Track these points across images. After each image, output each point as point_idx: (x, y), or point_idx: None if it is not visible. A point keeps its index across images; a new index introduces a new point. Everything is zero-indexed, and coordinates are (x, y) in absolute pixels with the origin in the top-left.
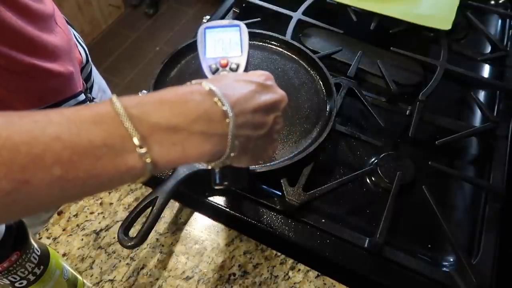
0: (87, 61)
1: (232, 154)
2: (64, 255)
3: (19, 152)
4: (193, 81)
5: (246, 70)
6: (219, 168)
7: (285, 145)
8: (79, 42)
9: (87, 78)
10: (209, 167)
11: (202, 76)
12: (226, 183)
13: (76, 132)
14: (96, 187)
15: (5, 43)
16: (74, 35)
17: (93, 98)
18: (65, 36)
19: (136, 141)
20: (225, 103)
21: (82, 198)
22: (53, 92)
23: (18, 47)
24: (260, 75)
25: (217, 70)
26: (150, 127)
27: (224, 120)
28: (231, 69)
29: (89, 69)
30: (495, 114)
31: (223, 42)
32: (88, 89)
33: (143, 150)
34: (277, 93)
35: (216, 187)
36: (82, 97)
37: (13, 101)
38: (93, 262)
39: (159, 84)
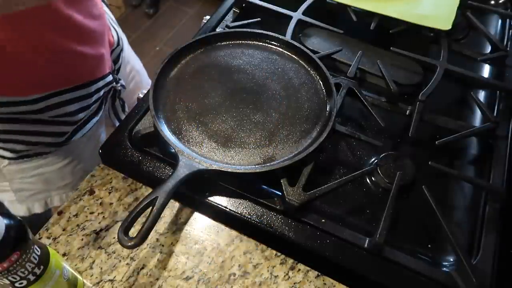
0: (118, 43)
1: None
2: (64, 255)
3: None
4: None
5: (245, 70)
6: None
7: (285, 145)
8: (112, 25)
9: (116, 60)
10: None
11: (202, 75)
12: None
13: None
14: None
15: (55, 31)
16: (109, 17)
17: (119, 79)
18: (102, 19)
19: None
20: None
21: None
22: (82, 73)
23: (65, 34)
24: None
25: None
26: None
27: None
28: None
29: (119, 51)
30: (495, 114)
31: None
32: (115, 71)
33: None
34: None
35: None
36: (109, 78)
37: (43, 79)
38: (93, 262)
39: (159, 84)
